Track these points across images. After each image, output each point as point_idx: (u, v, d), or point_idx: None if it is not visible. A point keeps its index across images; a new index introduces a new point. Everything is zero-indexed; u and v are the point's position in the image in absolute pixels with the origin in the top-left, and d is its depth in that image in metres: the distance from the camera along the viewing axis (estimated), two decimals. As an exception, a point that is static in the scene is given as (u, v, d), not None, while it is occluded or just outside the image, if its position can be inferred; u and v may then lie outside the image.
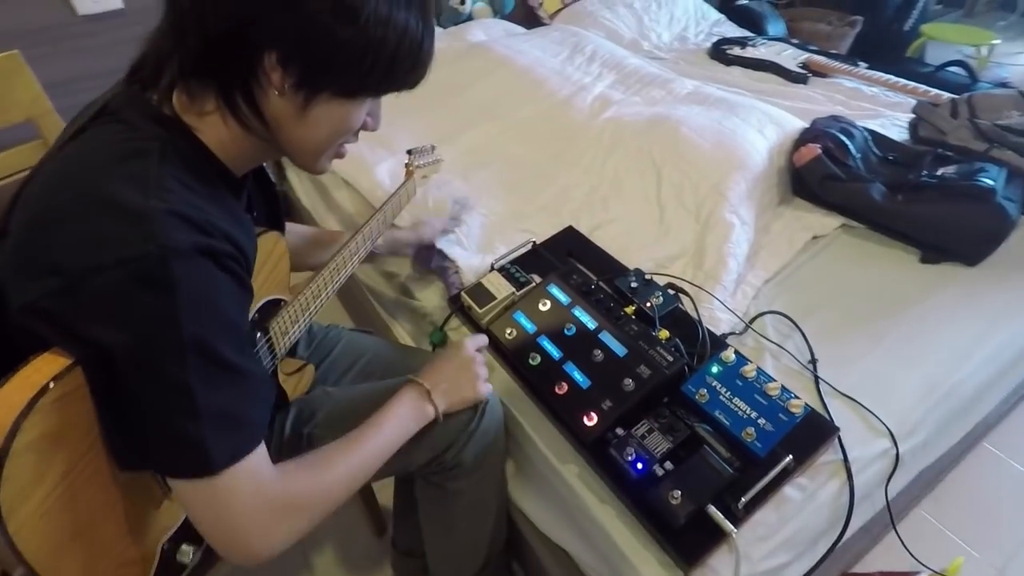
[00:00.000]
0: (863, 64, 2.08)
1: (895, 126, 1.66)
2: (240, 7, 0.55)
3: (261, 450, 0.62)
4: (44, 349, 0.57)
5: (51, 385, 0.54)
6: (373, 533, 1.38)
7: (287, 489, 0.64)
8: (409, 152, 1.21)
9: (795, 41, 2.28)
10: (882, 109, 1.78)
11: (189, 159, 0.61)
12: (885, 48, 2.89)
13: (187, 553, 0.74)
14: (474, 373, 0.89)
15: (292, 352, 1.00)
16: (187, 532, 0.74)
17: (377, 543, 1.37)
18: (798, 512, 0.88)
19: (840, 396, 1.01)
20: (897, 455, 0.97)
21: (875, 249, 1.31)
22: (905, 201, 1.30)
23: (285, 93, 0.60)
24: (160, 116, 0.61)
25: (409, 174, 1.20)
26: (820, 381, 1.03)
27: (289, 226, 1.04)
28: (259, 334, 0.78)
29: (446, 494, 0.94)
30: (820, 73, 2.05)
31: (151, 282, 0.52)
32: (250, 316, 0.76)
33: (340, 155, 0.72)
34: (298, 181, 1.78)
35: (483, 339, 0.96)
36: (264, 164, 0.85)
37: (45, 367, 0.55)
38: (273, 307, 0.82)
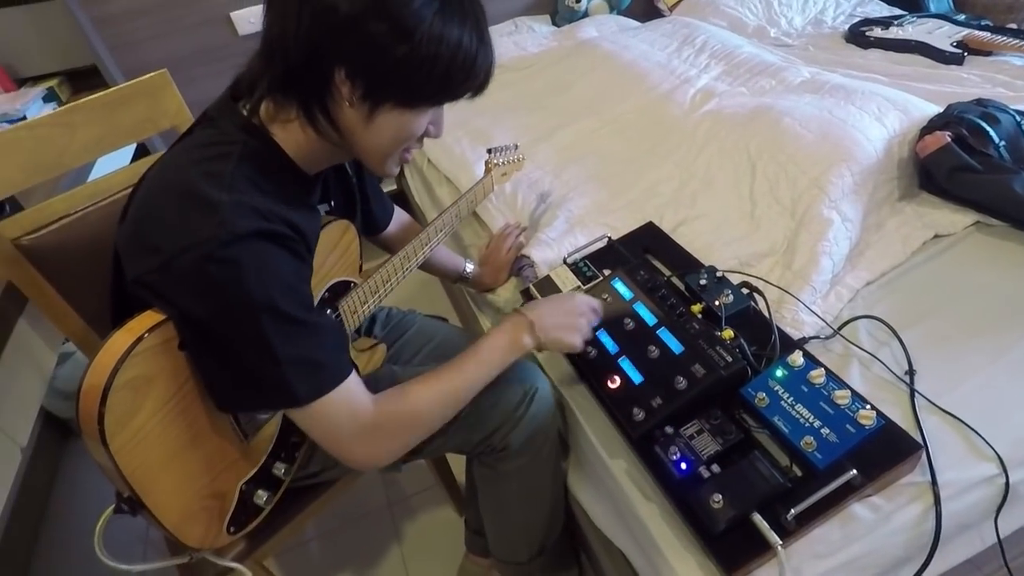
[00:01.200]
0: (1046, 37, 1.78)
1: (1069, 109, 1.41)
2: (313, 33, 0.64)
3: (349, 383, 0.73)
4: (148, 308, 0.70)
5: (145, 336, 0.67)
6: (456, 512, 1.46)
7: (383, 411, 0.76)
8: (489, 151, 1.27)
9: (960, 17, 2.01)
10: (1057, 89, 1.52)
11: (263, 160, 0.72)
12: (1087, 17, 2.43)
13: (261, 497, 0.86)
14: (577, 323, 0.92)
15: (369, 331, 1.10)
16: (263, 479, 0.85)
17: (458, 522, 1.45)
18: (867, 533, 0.80)
19: (939, 412, 0.90)
20: (1007, 484, 0.84)
21: (1015, 251, 1.13)
22: (1058, 195, 1.11)
23: (354, 104, 0.69)
24: (247, 124, 0.73)
25: (488, 170, 1.25)
26: (916, 394, 0.92)
27: (398, 214, 1.18)
28: (329, 311, 0.88)
29: (497, 475, 0.98)
30: (982, 51, 1.79)
31: (220, 260, 0.63)
32: (320, 294, 0.86)
33: (405, 160, 0.80)
34: (411, 178, 1.92)
35: (598, 302, 0.98)
36: (346, 164, 0.96)
37: (145, 320, 0.69)
38: (343, 288, 0.92)
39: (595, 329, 0.99)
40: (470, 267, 1.25)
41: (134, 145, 1.17)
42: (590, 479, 1.04)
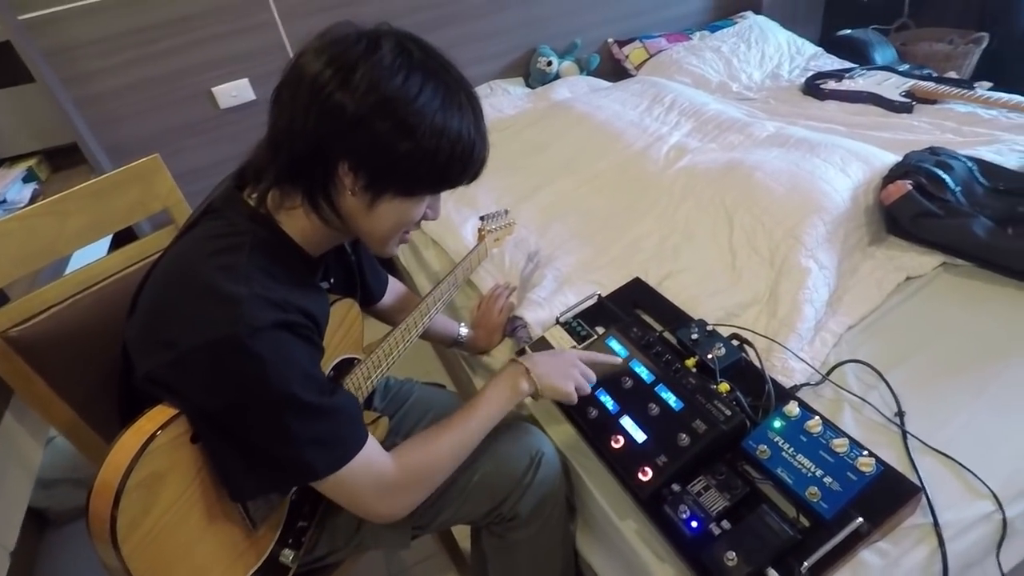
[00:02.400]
0: (984, 85, 1.91)
1: (1013, 152, 1.51)
2: (320, 129, 0.67)
3: (367, 450, 0.75)
4: (157, 402, 0.70)
5: (158, 433, 0.66)
6: (459, 579, 1.43)
7: (402, 468, 0.79)
8: (482, 218, 1.31)
9: (904, 67, 2.15)
10: (1000, 133, 1.63)
11: (273, 250, 0.74)
12: (1019, 65, 2.62)
13: (271, 586, 0.84)
14: (570, 372, 0.94)
15: (368, 403, 1.10)
16: (270, 568, 0.84)
17: (462, 590, 1.42)
18: (878, 580, 0.82)
19: (932, 452, 0.93)
20: (1004, 520, 0.87)
21: (981, 288, 1.19)
22: (1016, 235, 1.18)
23: (356, 193, 0.72)
24: (255, 214, 0.75)
25: (481, 238, 1.29)
26: (908, 436, 0.95)
27: (392, 284, 1.20)
28: None
29: (507, 544, 0.97)
30: (928, 100, 1.91)
31: (243, 354, 0.65)
32: (327, 373, 0.87)
33: (404, 241, 0.83)
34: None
35: (594, 355, 1.01)
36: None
37: (156, 417, 0.68)
38: (347, 365, 0.92)
39: (594, 389, 1.01)
40: (464, 331, 1.26)
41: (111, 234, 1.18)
42: (600, 541, 1.04)
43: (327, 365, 0.88)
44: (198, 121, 2.05)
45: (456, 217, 1.64)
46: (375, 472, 0.76)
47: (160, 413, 0.68)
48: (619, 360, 1.02)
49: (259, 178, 0.75)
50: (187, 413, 0.69)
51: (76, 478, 1.81)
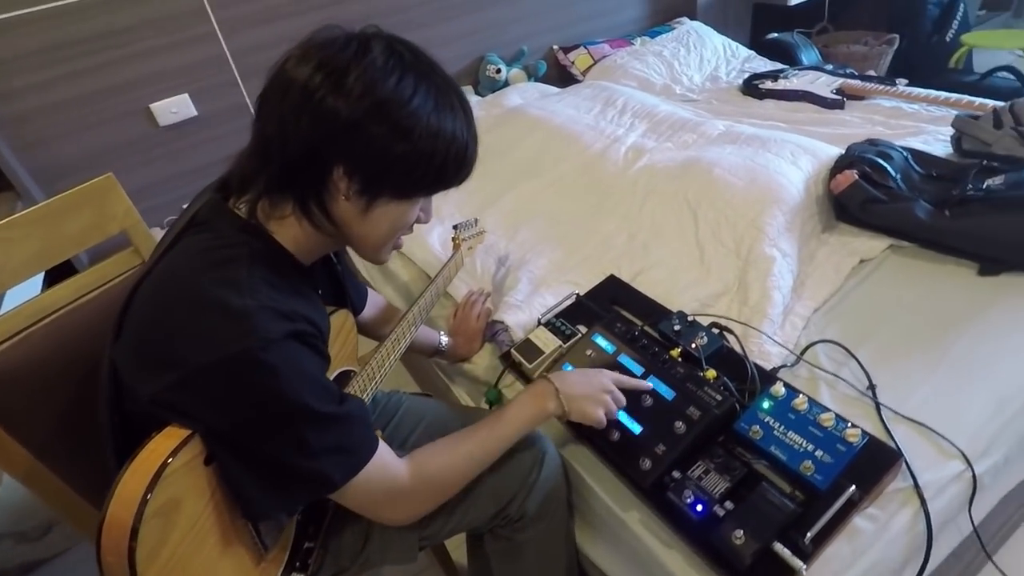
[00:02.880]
0: (902, 82, 2.07)
1: (939, 141, 1.64)
2: (313, 134, 0.66)
3: (380, 456, 0.75)
4: (161, 427, 0.66)
5: (171, 459, 0.63)
6: (450, 592, 1.41)
7: (415, 475, 0.78)
8: (455, 227, 1.32)
9: (829, 67, 2.30)
10: (924, 125, 1.76)
11: (270, 259, 0.72)
12: (926, 63, 2.85)
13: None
14: (603, 398, 0.92)
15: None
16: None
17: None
18: (873, 543, 0.86)
19: (904, 420, 0.99)
20: (974, 476, 0.93)
21: (927, 267, 1.29)
22: (952, 216, 1.28)
23: (350, 198, 0.70)
24: (246, 224, 0.72)
25: (456, 246, 1.29)
26: (881, 407, 1.01)
27: (372, 296, 1.17)
28: None
29: (514, 546, 0.97)
30: (856, 96, 2.05)
31: (258, 368, 0.63)
32: None
33: (398, 247, 0.83)
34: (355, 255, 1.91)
35: (624, 378, 0.97)
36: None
37: (167, 440, 0.65)
38: (344, 378, 0.90)
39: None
40: (445, 340, 1.25)
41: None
42: (601, 535, 1.05)
43: (329, 376, 0.85)
44: (136, 140, 1.95)
45: (421, 227, 1.62)
46: (388, 477, 0.76)
47: (170, 436, 0.64)
48: (649, 386, 0.99)
49: (245, 188, 0.73)
50: (200, 434, 0.66)
51: (20, 531, 1.67)
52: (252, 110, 2.07)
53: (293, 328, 0.67)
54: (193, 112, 2.01)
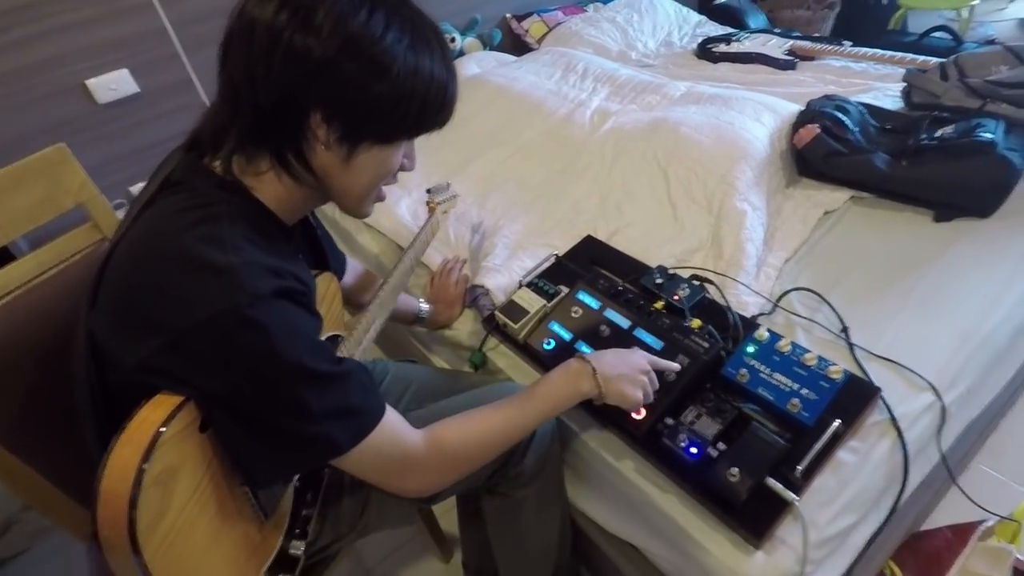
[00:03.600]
0: (848, 43, 2.13)
1: (888, 97, 1.69)
2: (285, 77, 0.62)
3: (390, 421, 0.72)
4: (150, 396, 0.62)
5: (163, 429, 0.59)
6: (440, 559, 1.41)
7: (432, 445, 0.75)
8: (428, 191, 1.29)
9: (778, 30, 2.35)
10: (873, 83, 1.82)
11: (251, 216, 0.68)
12: (866, 25, 2.94)
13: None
14: (641, 379, 0.89)
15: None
16: (283, 562, 0.79)
17: (445, 570, 1.40)
18: (856, 474, 0.90)
19: (876, 359, 1.04)
20: (943, 407, 0.99)
21: (887, 215, 1.34)
22: (909, 166, 1.33)
23: (331, 146, 0.67)
24: (223, 182, 0.69)
25: (431, 211, 1.27)
26: (855, 347, 1.06)
27: (350, 264, 1.14)
28: None
29: (513, 503, 0.97)
30: (807, 57, 2.10)
31: (247, 326, 0.60)
32: None
33: (380, 198, 0.79)
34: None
35: (658, 360, 0.94)
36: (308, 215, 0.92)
37: (159, 408, 0.61)
38: (332, 342, 0.88)
39: (572, 342, 1.03)
40: (425, 307, 1.23)
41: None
42: (595, 489, 1.06)
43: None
44: (73, 118, 1.83)
45: (388, 197, 1.58)
46: (400, 446, 0.73)
47: (161, 405, 0.60)
48: (677, 366, 0.95)
49: (218, 143, 0.69)
50: (194, 399, 0.62)
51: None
52: (198, 85, 2.00)
53: (282, 285, 0.64)
54: (135, 88, 1.89)
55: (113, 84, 1.85)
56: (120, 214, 1.03)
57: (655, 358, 0.94)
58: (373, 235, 1.59)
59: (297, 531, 0.80)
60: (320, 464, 0.70)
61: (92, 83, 1.82)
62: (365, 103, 0.65)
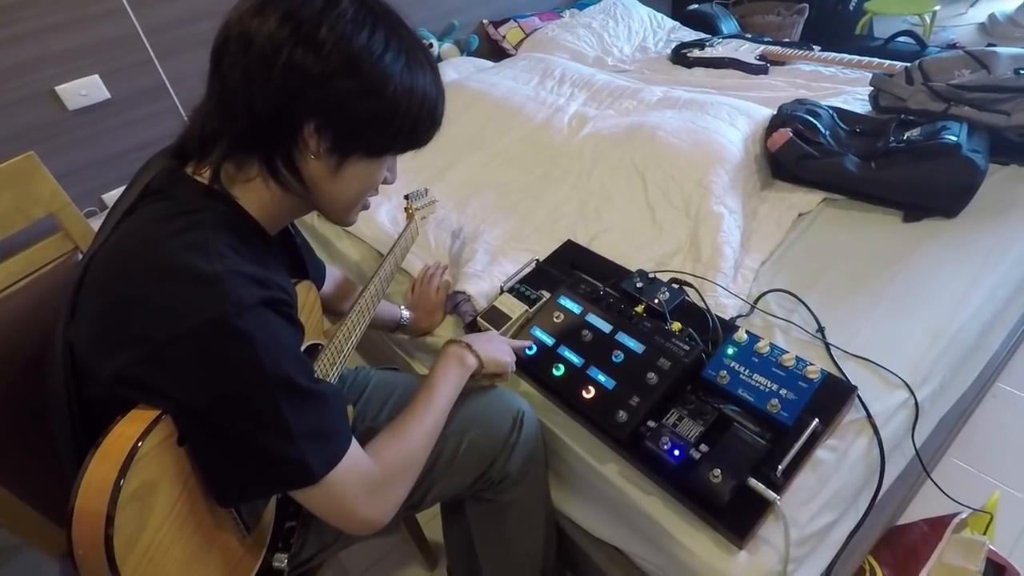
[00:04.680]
0: (817, 48, 2.18)
1: (857, 100, 1.74)
2: (284, 88, 0.63)
3: (354, 446, 0.71)
4: (126, 411, 0.61)
5: (140, 444, 0.58)
6: (425, 568, 1.40)
7: (383, 465, 0.73)
8: (406, 197, 1.28)
9: (749, 36, 2.39)
10: (842, 87, 1.87)
11: (235, 225, 0.68)
12: (834, 30, 3.01)
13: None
14: (506, 348, 0.99)
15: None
16: (266, 576, 0.78)
17: (431, 577, 1.40)
18: (834, 472, 0.92)
19: (852, 358, 1.06)
20: (916, 404, 1.01)
21: (859, 216, 1.37)
22: (878, 168, 1.37)
23: (320, 156, 0.67)
24: (208, 190, 0.68)
25: (410, 216, 1.27)
26: (831, 347, 1.08)
27: (330, 271, 1.13)
28: None
29: (499, 508, 0.97)
30: (778, 62, 2.14)
31: (233, 336, 0.59)
32: None
33: (366, 207, 0.80)
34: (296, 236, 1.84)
35: (511, 340, 1.05)
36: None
37: (136, 421, 0.60)
38: (313, 351, 0.88)
39: (555, 346, 1.04)
40: (406, 314, 1.23)
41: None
42: (579, 492, 1.07)
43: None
44: (43, 125, 1.79)
45: (371, 206, 1.58)
46: (362, 471, 0.70)
47: (139, 417, 0.59)
48: (527, 343, 1.09)
49: (206, 150, 0.68)
50: (171, 412, 0.61)
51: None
52: (171, 91, 1.97)
53: (267, 295, 0.63)
54: (105, 95, 1.86)
55: (84, 90, 1.81)
56: (94, 222, 1.02)
57: (510, 340, 1.06)
58: (353, 241, 1.58)
59: (280, 544, 0.79)
60: (290, 488, 0.67)
61: (62, 89, 1.78)
62: (359, 118, 0.66)
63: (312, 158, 0.67)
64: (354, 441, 0.72)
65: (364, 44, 0.64)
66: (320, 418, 0.66)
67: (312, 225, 1.69)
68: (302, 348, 0.82)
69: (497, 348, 0.97)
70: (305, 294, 0.85)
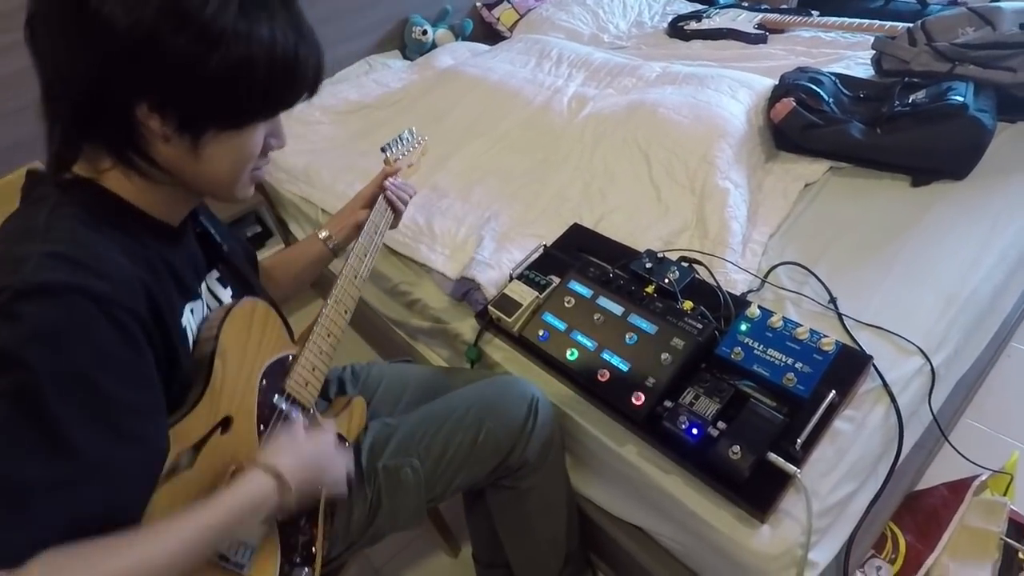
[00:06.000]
0: (816, 13, 2.14)
1: (859, 65, 1.71)
2: (94, 61, 0.54)
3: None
4: None
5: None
6: (449, 555, 1.42)
7: None
8: (383, 149, 1.10)
9: (746, 4, 2.35)
10: (843, 52, 1.84)
11: (93, 205, 0.60)
12: (832, -8, 2.95)
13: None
14: (340, 460, 0.76)
15: (341, 393, 1.04)
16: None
17: (454, 565, 1.41)
18: (853, 442, 0.92)
19: (865, 327, 1.05)
20: (932, 369, 1.01)
21: (866, 184, 1.36)
22: (884, 133, 1.35)
23: (171, 138, 0.59)
24: (56, 180, 0.61)
25: (391, 171, 1.07)
26: (843, 317, 1.07)
27: (277, 258, 1.04)
28: (277, 396, 0.79)
29: (519, 494, 0.98)
30: (777, 30, 2.11)
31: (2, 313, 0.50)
32: (258, 384, 0.75)
33: (257, 179, 0.70)
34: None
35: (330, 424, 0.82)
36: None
37: None
38: (281, 367, 0.81)
39: (568, 331, 1.04)
40: (323, 233, 1.03)
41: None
42: (598, 475, 1.08)
43: (253, 378, 0.74)
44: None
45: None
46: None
47: None
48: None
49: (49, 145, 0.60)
50: None
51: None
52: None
53: (84, 284, 0.52)
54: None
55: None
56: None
57: (325, 430, 0.78)
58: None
59: (297, 559, 0.77)
60: None
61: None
62: (194, 85, 0.56)
63: (162, 142, 0.59)
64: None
65: None
66: (68, 473, 0.50)
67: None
68: (262, 370, 0.76)
69: (318, 475, 0.71)
70: (248, 315, 0.77)
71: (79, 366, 0.51)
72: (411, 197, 1.08)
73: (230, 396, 0.71)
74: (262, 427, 0.76)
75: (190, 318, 0.69)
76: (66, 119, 0.58)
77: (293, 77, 0.62)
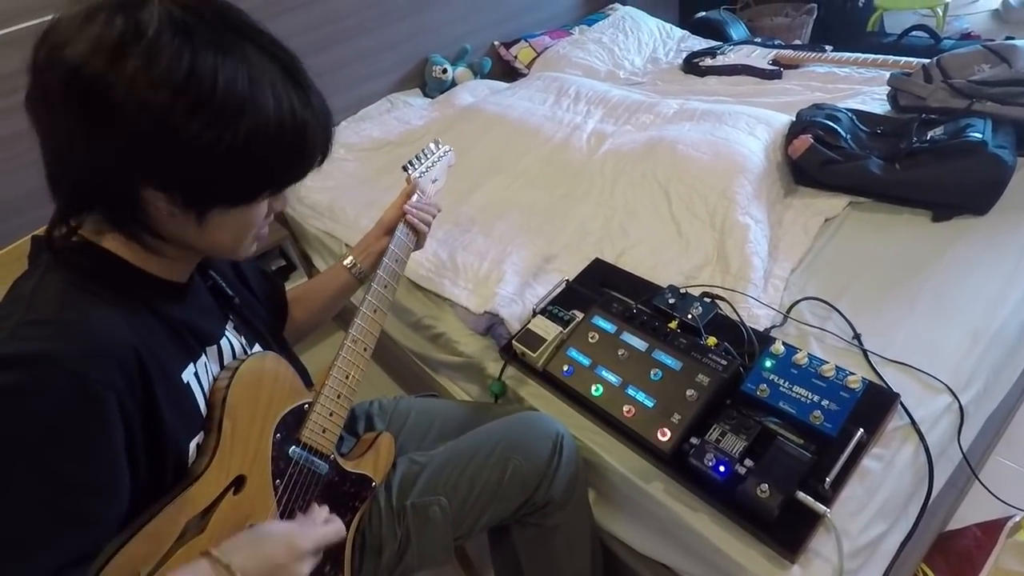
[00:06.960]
0: (829, 48, 2.18)
1: (875, 101, 1.73)
2: (96, 148, 0.53)
3: None
4: None
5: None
6: (471, 592, 1.41)
7: None
8: (405, 168, 1.09)
9: (759, 40, 2.39)
10: (859, 87, 1.86)
11: (91, 268, 0.60)
12: (845, 28, 2.99)
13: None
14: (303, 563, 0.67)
15: (369, 428, 1.06)
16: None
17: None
18: (882, 481, 0.92)
19: (891, 363, 1.05)
20: (961, 407, 1.00)
21: (886, 219, 1.37)
22: (903, 169, 1.36)
23: (176, 214, 0.59)
24: (52, 246, 0.60)
25: (411, 191, 1.05)
26: (868, 354, 1.07)
27: (302, 289, 1.04)
28: (293, 447, 0.79)
29: (544, 532, 0.98)
30: (791, 65, 2.14)
31: None
32: (272, 438, 0.75)
33: (260, 239, 0.71)
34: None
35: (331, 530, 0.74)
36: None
37: None
38: (296, 416, 0.80)
39: (592, 367, 1.05)
40: (348, 260, 1.03)
41: None
42: (624, 511, 1.07)
43: (267, 433, 0.75)
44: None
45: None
46: None
47: None
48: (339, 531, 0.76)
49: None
50: None
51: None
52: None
53: (57, 353, 0.52)
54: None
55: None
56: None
57: (300, 524, 0.73)
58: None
59: None
60: None
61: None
62: (201, 169, 0.56)
63: (168, 216, 0.59)
64: None
65: (186, 74, 0.52)
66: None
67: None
68: (276, 422, 0.76)
69: (284, 565, 0.65)
70: (258, 371, 0.76)
71: (27, 436, 0.51)
72: (434, 216, 1.07)
73: (242, 455, 0.72)
74: (277, 481, 0.76)
75: (203, 371, 0.70)
76: (65, 196, 0.58)
77: (301, 152, 0.61)
